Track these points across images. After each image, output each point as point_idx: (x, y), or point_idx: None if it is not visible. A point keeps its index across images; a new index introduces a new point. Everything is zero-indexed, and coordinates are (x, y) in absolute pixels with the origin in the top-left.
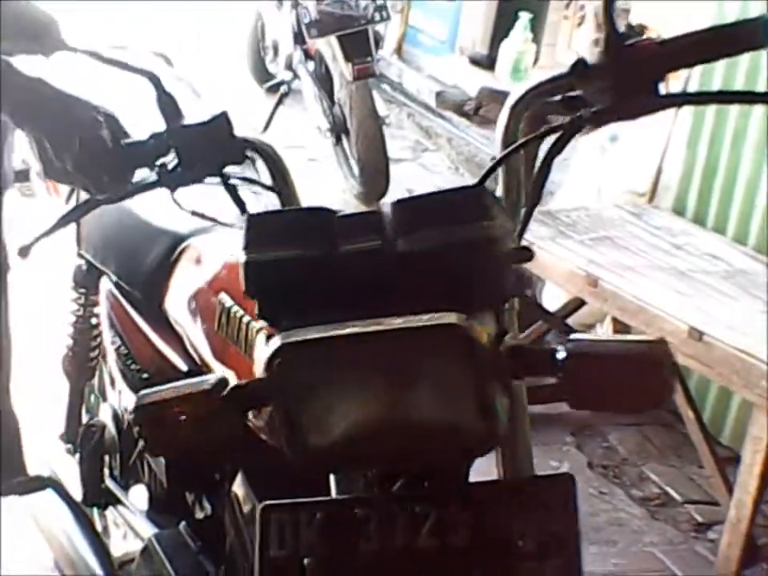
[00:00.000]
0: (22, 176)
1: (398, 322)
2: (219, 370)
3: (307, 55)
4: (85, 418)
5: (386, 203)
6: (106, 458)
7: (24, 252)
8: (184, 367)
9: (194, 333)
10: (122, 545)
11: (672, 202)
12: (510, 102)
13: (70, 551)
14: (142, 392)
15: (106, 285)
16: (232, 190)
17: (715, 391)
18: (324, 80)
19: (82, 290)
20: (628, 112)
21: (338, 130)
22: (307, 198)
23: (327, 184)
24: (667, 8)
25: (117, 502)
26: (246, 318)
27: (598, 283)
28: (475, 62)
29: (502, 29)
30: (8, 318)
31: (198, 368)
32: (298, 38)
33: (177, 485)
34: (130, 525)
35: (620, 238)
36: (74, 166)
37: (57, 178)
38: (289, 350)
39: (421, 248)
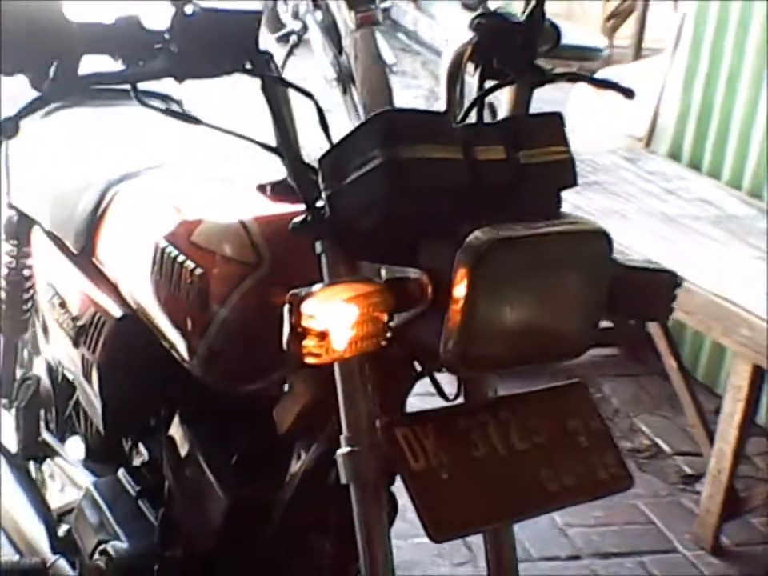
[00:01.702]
0: None
1: (562, 226)
2: (156, 314)
3: (316, 4)
4: (19, 373)
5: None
6: (42, 411)
7: None
8: (119, 313)
9: (129, 278)
10: (61, 497)
11: (668, 147)
12: (446, 59)
13: (8, 505)
14: None
15: (38, 235)
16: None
17: (692, 331)
18: (331, 29)
19: (14, 242)
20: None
21: (345, 80)
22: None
23: (340, 134)
24: None
25: (54, 454)
26: (181, 258)
27: None
28: (467, 6)
29: None
30: None
31: (134, 312)
32: None
33: (113, 432)
34: (68, 476)
35: (610, 183)
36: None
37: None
38: (498, 245)
39: (534, 162)
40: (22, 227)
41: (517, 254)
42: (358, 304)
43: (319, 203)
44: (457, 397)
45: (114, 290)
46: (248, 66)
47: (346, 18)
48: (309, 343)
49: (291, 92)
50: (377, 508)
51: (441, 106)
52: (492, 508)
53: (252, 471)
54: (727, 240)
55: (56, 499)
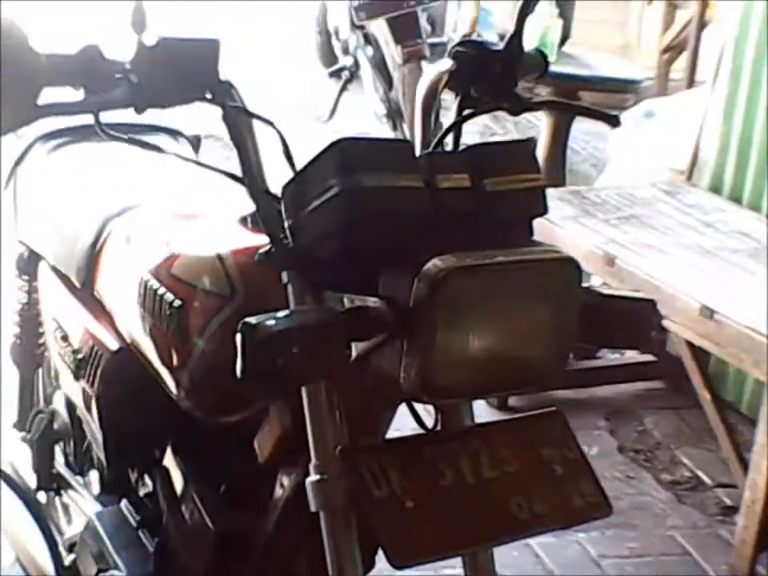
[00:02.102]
0: None
1: (526, 254)
2: (146, 346)
3: (366, 40)
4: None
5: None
6: (59, 444)
7: None
8: (115, 345)
9: (122, 311)
10: (72, 528)
11: (709, 180)
12: (422, 87)
13: (21, 535)
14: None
15: (44, 270)
16: (230, 115)
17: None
18: (381, 65)
19: (25, 277)
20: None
21: (394, 115)
22: None
23: None
24: None
25: (67, 486)
26: (162, 291)
27: (615, 262)
28: (504, 38)
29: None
30: None
31: (128, 346)
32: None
33: (115, 463)
34: (80, 507)
35: (648, 216)
36: None
37: None
38: (456, 273)
39: (503, 189)
40: (31, 262)
41: (476, 282)
42: (310, 332)
43: (282, 234)
44: (435, 425)
45: (112, 323)
46: (208, 96)
47: (393, 53)
48: (262, 370)
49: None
50: (347, 535)
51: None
52: (457, 535)
53: (238, 501)
54: (762, 271)
55: (69, 530)
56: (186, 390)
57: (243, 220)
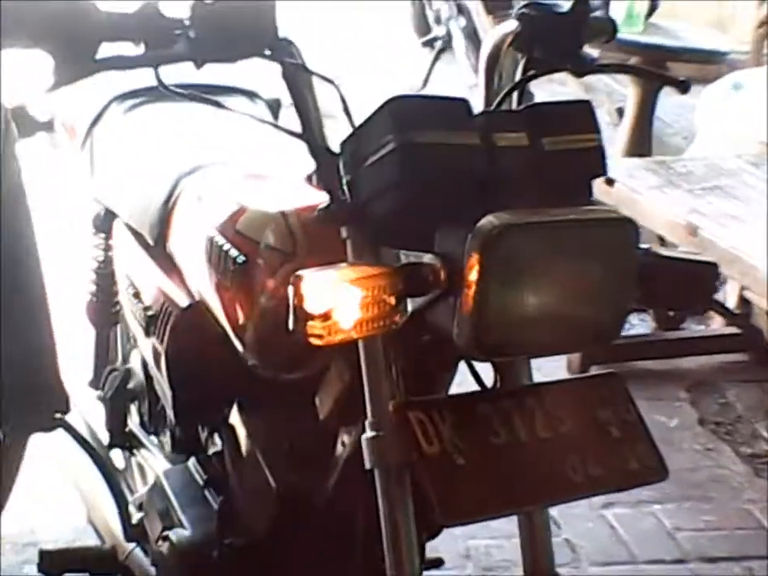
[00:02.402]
0: (47, 126)
1: (581, 213)
2: (214, 303)
3: (459, 10)
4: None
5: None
6: (134, 402)
7: None
8: (185, 302)
9: (191, 269)
10: (145, 487)
11: None
12: (486, 49)
13: (91, 494)
14: None
15: (119, 228)
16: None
17: None
18: (473, 35)
19: (101, 235)
20: (564, 66)
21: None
22: None
23: None
24: None
25: (140, 445)
26: (227, 247)
27: (698, 232)
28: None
29: None
30: (39, 259)
31: (197, 303)
32: None
33: (184, 421)
34: (150, 466)
35: (732, 187)
36: (33, 26)
37: (14, 41)
38: (509, 230)
39: (561, 149)
40: (106, 221)
41: (530, 240)
42: (361, 286)
43: (340, 190)
44: (495, 384)
45: (182, 280)
46: (267, 53)
47: (484, 23)
48: (313, 324)
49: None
50: (401, 493)
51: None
52: (508, 495)
53: (301, 459)
54: None
55: (141, 489)
56: (250, 347)
57: (309, 178)
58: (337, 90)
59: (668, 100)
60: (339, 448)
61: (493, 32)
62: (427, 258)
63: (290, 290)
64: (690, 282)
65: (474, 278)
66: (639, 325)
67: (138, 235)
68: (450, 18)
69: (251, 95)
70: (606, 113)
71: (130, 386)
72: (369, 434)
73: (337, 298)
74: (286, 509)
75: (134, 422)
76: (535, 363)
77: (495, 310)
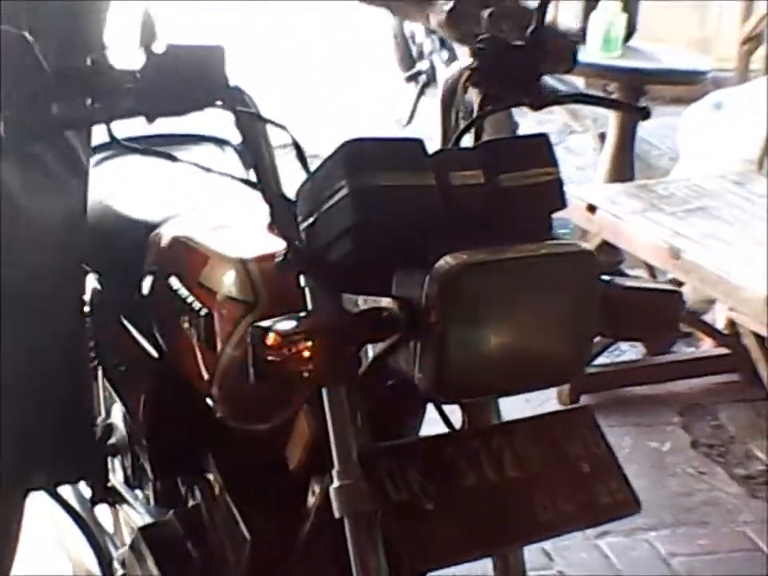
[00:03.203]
0: None
1: (540, 249)
2: (182, 355)
3: (442, 43)
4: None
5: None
6: (115, 456)
7: None
8: (156, 355)
9: (160, 322)
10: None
11: None
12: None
13: (76, 551)
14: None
15: (91, 282)
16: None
17: None
18: None
19: None
20: (521, 100)
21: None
22: None
23: None
24: None
25: (122, 500)
26: (191, 301)
27: (681, 255)
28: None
29: (593, 1)
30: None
31: (167, 356)
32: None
33: (165, 475)
34: (133, 521)
35: (716, 208)
36: None
37: None
38: (467, 270)
39: (519, 184)
40: None
41: (489, 278)
42: (319, 335)
43: (297, 237)
44: (463, 425)
45: (153, 333)
46: (219, 102)
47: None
48: (272, 375)
49: None
50: (372, 541)
51: (575, 139)
52: (479, 537)
53: (274, 509)
54: None
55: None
56: (218, 399)
57: (270, 226)
58: (290, 136)
59: (655, 121)
60: (310, 497)
61: (449, 69)
62: (386, 302)
63: (249, 342)
64: (655, 311)
65: (433, 321)
66: (629, 351)
67: (107, 287)
68: (432, 51)
69: (222, 143)
70: (592, 138)
71: (112, 440)
72: (336, 483)
73: (295, 348)
74: (262, 559)
75: (116, 477)
76: (524, 395)
77: (456, 351)
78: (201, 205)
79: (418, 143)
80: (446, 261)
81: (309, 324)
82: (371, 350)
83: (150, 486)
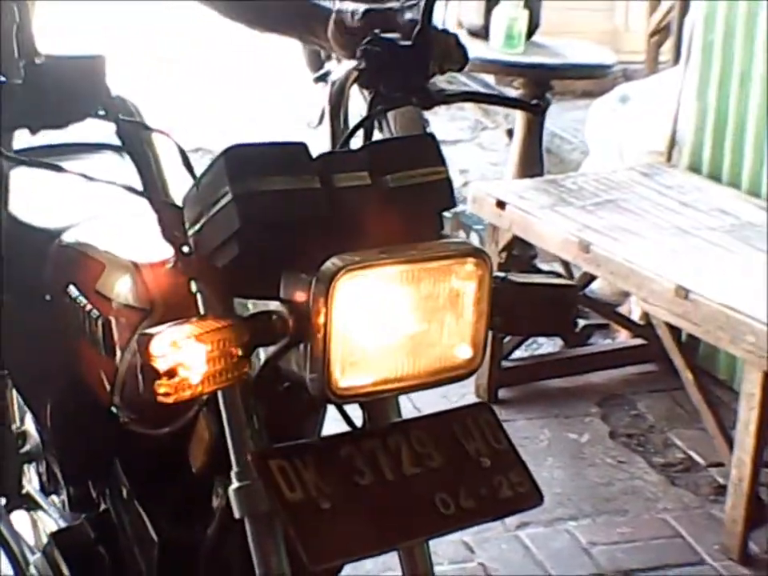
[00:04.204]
0: None
1: (426, 248)
2: (85, 363)
3: None
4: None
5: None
6: (30, 463)
7: None
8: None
9: (60, 328)
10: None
11: (688, 159)
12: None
13: None
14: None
15: None
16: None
17: None
18: None
19: None
20: (410, 100)
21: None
22: None
23: None
24: None
25: (37, 506)
26: (89, 310)
27: (590, 248)
28: (473, 33)
29: None
30: None
31: (73, 362)
32: None
33: (75, 480)
34: (47, 526)
35: (625, 200)
36: None
37: None
38: (355, 271)
39: (405, 184)
40: None
41: (374, 279)
42: (206, 341)
43: (186, 243)
44: (364, 423)
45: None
46: (101, 112)
47: None
48: (160, 382)
49: None
50: (272, 541)
51: (488, 135)
52: (378, 534)
53: (181, 512)
54: (739, 248)
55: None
56: (120, 405)
57: None
58: (175, 143)
59: (566, 115)
60: (215, 499)
61: (336, 70)
62: (273, 305)
63: (135, 349)
64: (550, 307)
65: (320, 323)
66: (546, 344)
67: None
68: None
69: (121, 150)
70: (505, 134)
71: (26, 448)
72: (235, 484)
73: (182, 355)
74: (171, 561)
75: (31, 484)
76: (441, 390)
77: (344, 353)
78: (101, 212)
79: (302, 147)
80: (331, 262)
81: (197, 329)
82: (263, 353)
83: (64, 492)
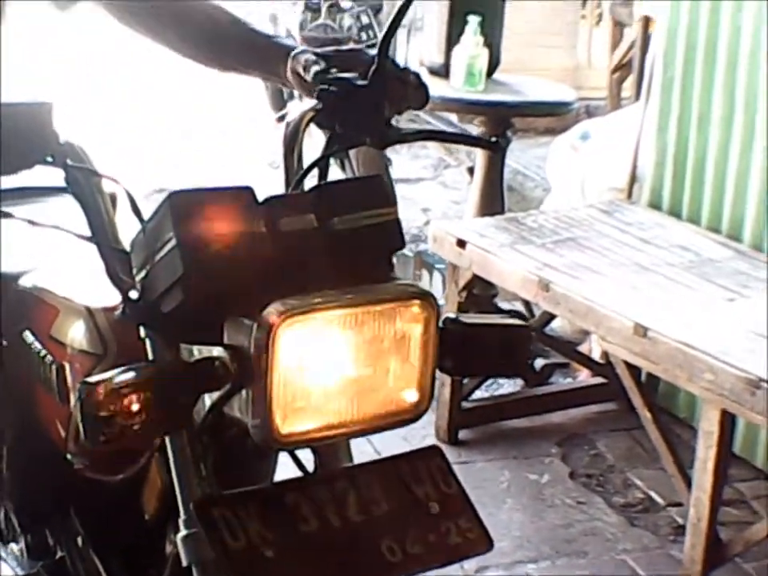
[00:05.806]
0: None
1: (370, 291)
2: (38, 408)
3: None
4: None
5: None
6: None
7: None
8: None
9: (16, 373)
10: None
11: (648, 195)
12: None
13: None
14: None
15: None
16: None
17: None
18: None
19: None
20: (366, 140)
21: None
22: None
23: None
24: None
25: None
26: (44, 355)
27: (550, 287)
28: (434, 72)
29: (455, 36)
30: None
31: (26, 410)
32: None
33: (31, 528)
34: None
35: (585, 238)
36: None
37: None
38: (296, 315)
39: (352, 227)
40: None
41: (317, 324)
42: (149, 387)
43: (132, 289)
44: (315, 468)
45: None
46: (49, 159)
47: None
48: (101, 430)
49: None
50: None
51: (450, 173)
52: None
53: (135, 559)
54: (698, 284)
55: None
56: (74, 451)
57: None
58: (124, 189)
59: (530, 152)
60: (168, 546)
61: (292, 111)
62: (217, 351)
63: (77, 397)
64: (503, 348)
65: (262, 369)
66: (507, 384)
67: None
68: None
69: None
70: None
71: None
72: (183, 531)
73: (123, 402)
74: None
75: None
76: (401, 432)
77: (287, 398)
78: (59, 256)
79: (248, 191)
80: (273, 307)
81: (141, 376)
82: (208, 399)
83: (22, 540)
